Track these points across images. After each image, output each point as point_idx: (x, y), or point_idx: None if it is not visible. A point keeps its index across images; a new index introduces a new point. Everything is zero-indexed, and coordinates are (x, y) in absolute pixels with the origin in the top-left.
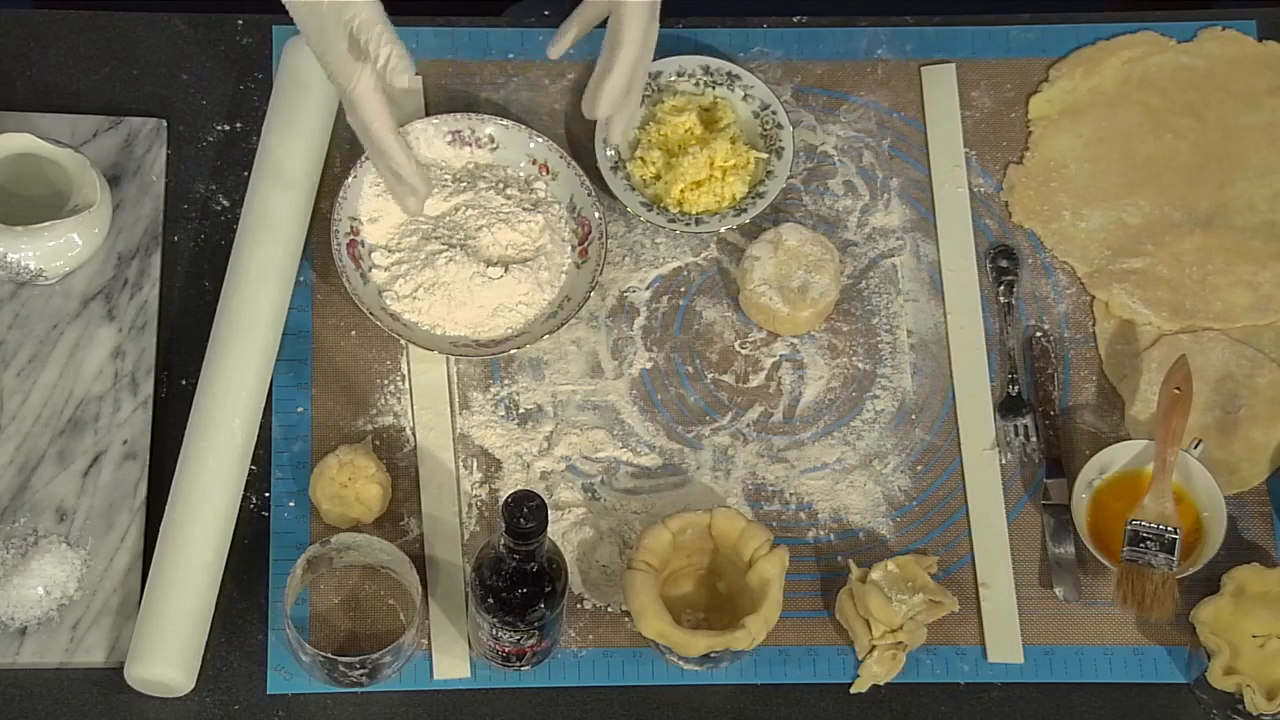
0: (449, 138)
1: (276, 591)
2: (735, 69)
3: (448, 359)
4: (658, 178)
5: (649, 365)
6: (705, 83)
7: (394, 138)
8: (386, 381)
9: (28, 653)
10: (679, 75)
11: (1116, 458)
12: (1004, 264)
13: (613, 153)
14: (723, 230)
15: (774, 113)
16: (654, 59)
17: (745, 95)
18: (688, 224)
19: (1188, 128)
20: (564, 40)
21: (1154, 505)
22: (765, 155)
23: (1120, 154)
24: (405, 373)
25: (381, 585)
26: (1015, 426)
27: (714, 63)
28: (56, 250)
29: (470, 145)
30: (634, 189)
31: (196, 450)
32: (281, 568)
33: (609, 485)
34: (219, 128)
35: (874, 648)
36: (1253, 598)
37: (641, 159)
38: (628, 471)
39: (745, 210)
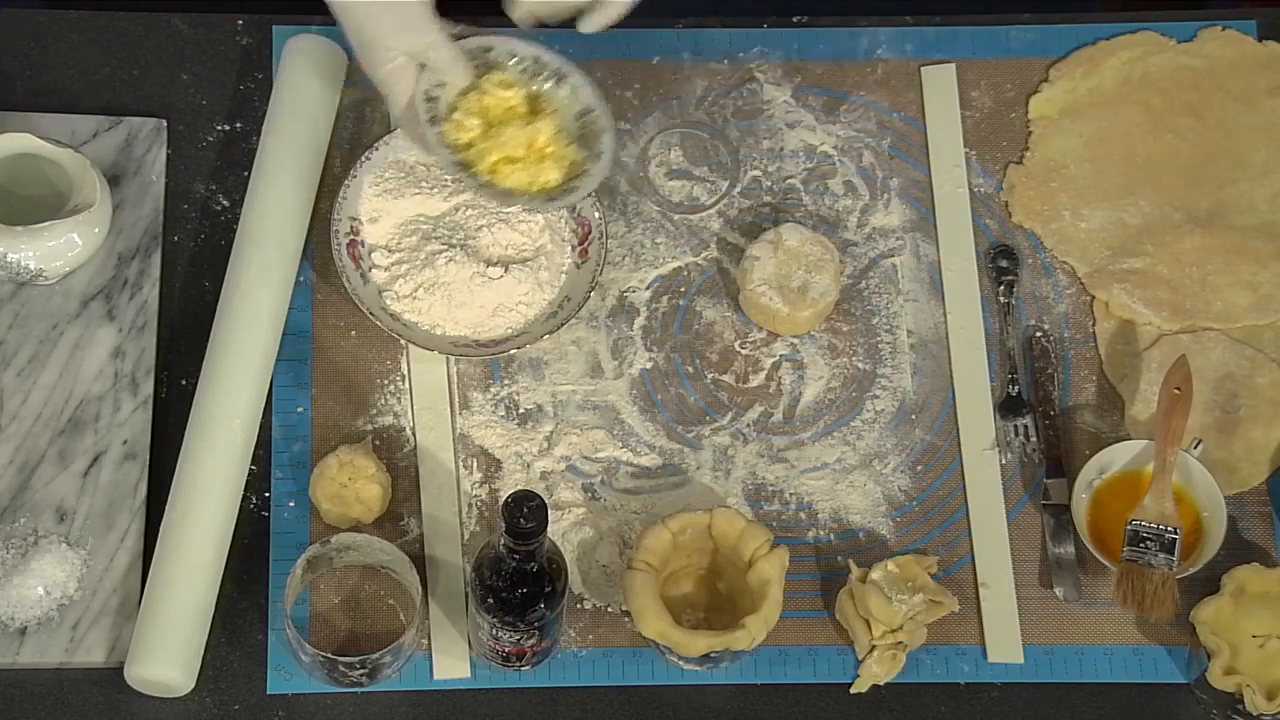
0: None
1: (276, 591)
2: (566, 68)
3: (448, 359)
4: (470, 145)
5: (649, 365)
6: (533, 72)
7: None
8: (386, 381)
9: (28, 653)
10: (510, 58)
11: (1116, 458)
12: (1004, 264)
13: (429, 104)
14: (531, 209)
15: (597, 116)
16: (495, 37)
17: (572, 94)
18: (494, 193)
19: (1188, 128)
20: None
21: (1154, 505)
22: (582, 156)
23: (1120, 154)
24: (405, 373)
25: (381, 585)
26: (1015, 426)
27: (547, 55)
28: (56, 250)
29: None
30: (448, 146)
31: (196, 450)
32: (281, 568)
33: (609, 485)
34: (219, 128)
35: (874, 648)
36: (1253, 598)
37: (459, 123)
38: (628, 471)
39: (554, 199)
